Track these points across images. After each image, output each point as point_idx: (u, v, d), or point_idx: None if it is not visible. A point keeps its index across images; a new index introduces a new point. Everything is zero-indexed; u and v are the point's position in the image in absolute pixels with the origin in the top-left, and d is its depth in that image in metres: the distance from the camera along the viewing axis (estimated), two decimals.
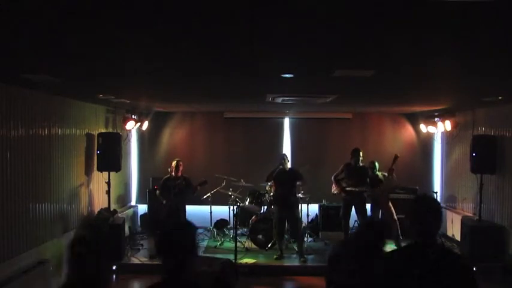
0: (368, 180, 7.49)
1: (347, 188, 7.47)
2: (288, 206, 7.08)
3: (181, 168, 7.52)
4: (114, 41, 2.95)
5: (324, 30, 2.58)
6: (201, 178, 7.58)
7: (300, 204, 7.61)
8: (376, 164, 7.64)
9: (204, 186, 7.59)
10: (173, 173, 7.48)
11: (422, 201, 2.46)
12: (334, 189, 7.79)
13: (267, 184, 8.10)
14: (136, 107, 7.88)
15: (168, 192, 7.37)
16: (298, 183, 7.27)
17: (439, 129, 8.54)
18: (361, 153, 7.52)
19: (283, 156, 7.32)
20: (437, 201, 2.51)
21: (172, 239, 2.06)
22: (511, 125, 6.76)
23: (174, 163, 7.54)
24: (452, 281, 2.18)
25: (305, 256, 7.05)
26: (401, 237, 7.44)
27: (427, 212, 2.32)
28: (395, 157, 7.47)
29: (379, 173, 7.61)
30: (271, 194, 7.92)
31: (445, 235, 8.33)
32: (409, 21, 2.38)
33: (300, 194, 7.74)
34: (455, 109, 7.95)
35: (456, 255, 2.38)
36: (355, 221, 7.74)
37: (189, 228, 2.15)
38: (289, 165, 7.43)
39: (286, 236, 7.57)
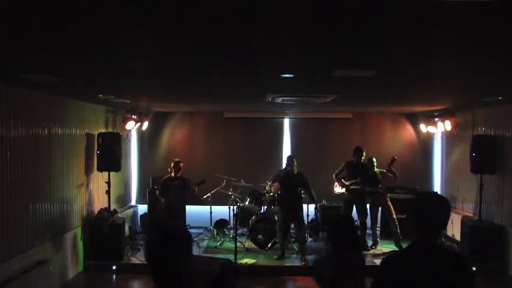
0: (368, 178, 7.50)
1: (351, 186, 7.47)
2: (293, 208, 7.05)
3: (180, 168, 7.39)
4: (114, 41, 2.95)
5: (324, 30, 2.58)
6: (200, 178, 7.49)
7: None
8: (374, 159, 7.67)
9: (203, 186, 7.50)
10: (172, 173, 7.42)
11: (428, 197, 2.32)
12: (336, 189, 7.80)
13: (267, 184, 8.10)
14: (136, 107, 7.87)
15: (167, 192, 7.32)
16: (302, 189, 7.15)
17: (439, 129, 8.54)
18: (364, 153, 7.53)
19: (292, 159, 7.14)
20: (444, 197, 2.30)
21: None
22: (511, 125, 6.77)
23: (172, 163, 7.45)
24: (455, 284, 2.07)
25: (307, 259, 7.04)
26: (401, 237, 7.46)
27: (434, 207, 2.15)
28: (393, 159, 7.52)
29: (377, 170, 7.64)
30: (272, 194, 7.91)
31: (445, 235, 8.33)
32: (409, 21, 2.38)
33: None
34: (455, 109, 7.95)
35: (458, 255, 2.22)
36: (356, 220, 7.75)
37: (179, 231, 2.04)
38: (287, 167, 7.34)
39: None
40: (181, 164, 7.39)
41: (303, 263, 6.94)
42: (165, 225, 2.08)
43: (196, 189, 7.38)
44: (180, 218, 7.26)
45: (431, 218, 2.13)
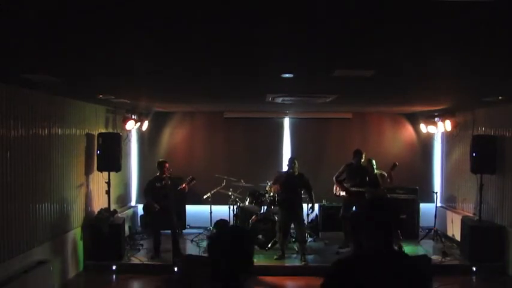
0: (368, 180, 7.50)
1: (352, 189, 7.46)
2: (294, 209, 7.03)
3: (165, 168, 7.24)
4: (114, 41, 2.95)
5: (324, 30, 2.58)
6: (189, 176, 7.39)
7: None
8: (373, 161, 7.67)
9: (193, 183, 7.42)
10: (158, 174, 7.33)
11: (374, 201, 2.34)
12: (336, 191, 7.80)
13: (267, 184, 8.10)
14: (136, 107, 7.87)
15: (153, 193, 7.18)
16: (303, 190, 7.15)
17: (439, 129, 8.54)
18: (363, 155, 7.55)
19: (293, 160, 7.12)
20: (386, 206, 2.25)
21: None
22: (511, 125, 6.77)
23: (157, 164, 7.35)
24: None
25: (307, 259, 7.02)
26: (401, 237, 7.46)
27: (380, 210, 2.13)
28: (394, 164, 7.52)
29: (377, 171, 7.64)
30: (272, 194, 7.91)
31: (445, 235, 8.33)
32: (409, 21, 2.38)
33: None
34: (455, 109, 7.95)
35: (411, 260, 2.16)
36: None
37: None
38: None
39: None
40: (166, 164, 7.32)
41: (303, 263, 6.94)
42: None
43: (187, 187, 7.33)
44: (173, 218, 7.20)
45: (380, 219, 2.11)
